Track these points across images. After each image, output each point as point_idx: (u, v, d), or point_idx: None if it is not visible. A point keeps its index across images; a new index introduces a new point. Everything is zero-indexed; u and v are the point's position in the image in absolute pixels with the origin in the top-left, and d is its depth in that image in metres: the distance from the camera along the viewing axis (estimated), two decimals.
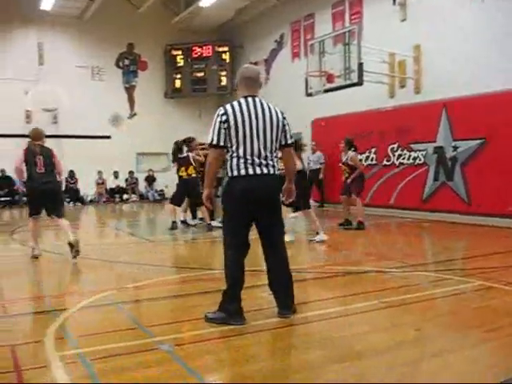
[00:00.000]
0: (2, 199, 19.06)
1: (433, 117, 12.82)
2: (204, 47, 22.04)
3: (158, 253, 8.49)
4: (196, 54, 22.07)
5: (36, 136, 8.03)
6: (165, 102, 22.62)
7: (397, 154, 13.96)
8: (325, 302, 5.10)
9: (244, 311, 4.27)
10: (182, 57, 22.19)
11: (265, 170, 4.27)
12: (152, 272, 6.71)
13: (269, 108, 4.37)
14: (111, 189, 21.20)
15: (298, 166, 7.72)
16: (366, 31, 14.23)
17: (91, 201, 20.63)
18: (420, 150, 13.27)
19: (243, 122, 4.22)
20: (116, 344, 3.83)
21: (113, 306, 5.04)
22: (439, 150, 12.77)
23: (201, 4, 18.79)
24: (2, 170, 19.17)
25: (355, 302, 4.99)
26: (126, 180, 21.44)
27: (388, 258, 7.53)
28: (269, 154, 4.29)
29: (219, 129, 4.24)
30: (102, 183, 20.98)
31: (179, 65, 22.23)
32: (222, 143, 4.26)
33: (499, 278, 5.88)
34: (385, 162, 14.29)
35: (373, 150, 14.66)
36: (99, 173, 20.70)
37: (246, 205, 4.26)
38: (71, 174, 20.13)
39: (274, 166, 4.32)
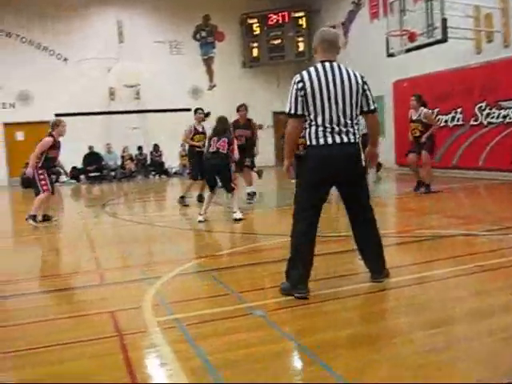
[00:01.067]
0: (92, 174, 19.81)
1: None
2: (280, 14, 21.75)
3: (244, 221, 8.54)
4: (272, 21, 21.82)
5: None
6: (243, 71, 22.59)
7: (485, 112, 13.34)
8: (416, 267, 4.98)
9: (318, 278, 4.29)
10: (258, 25, 22.00)
11: (345, 139, 4.08)
12: (239, 240, 6.81)
13: (347, 72, 4.15)
14: None
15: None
16: None
17: (175, 173, 21.06)
18: (510, 108, 12.62)
19: (320, 88, 4.04)
20: (210, 310, 3.93)
21: (204, 273, 5.16)
22: None
23: None
24: (91, 147, 19.88)
25: (447, 266, 4.85)
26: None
27: (479, 222, 7.26)
28: (349, 121, 4.09)
29: (296, 97, 4.07)
30: (186, 155, 21.32)
31: (256, 33, 22.06)
32: (299, 112, 4.09)
33: None
34: (472, 122, 13.70)
35: (459, 110, 14.09)
36: (182, 145, 21.05)
37: (325, 175, 4.12)
38: (155, 147, 20.66)
39: (354, 134, 4.13)
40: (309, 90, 4.03)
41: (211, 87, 21.84)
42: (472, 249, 5.59)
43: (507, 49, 12.92)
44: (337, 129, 4.06)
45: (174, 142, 20.26)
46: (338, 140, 4.06)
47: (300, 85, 4.06)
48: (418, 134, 10.44)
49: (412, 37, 12.29)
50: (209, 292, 4.46)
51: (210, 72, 22.02)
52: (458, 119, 14.14)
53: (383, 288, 4.25)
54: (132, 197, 14.79)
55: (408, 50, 12.72)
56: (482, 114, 13.46)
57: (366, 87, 4.20)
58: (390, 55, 13.32)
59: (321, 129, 4.07)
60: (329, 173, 4.11)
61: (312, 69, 4.14)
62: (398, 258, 5.43)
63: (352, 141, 4.10)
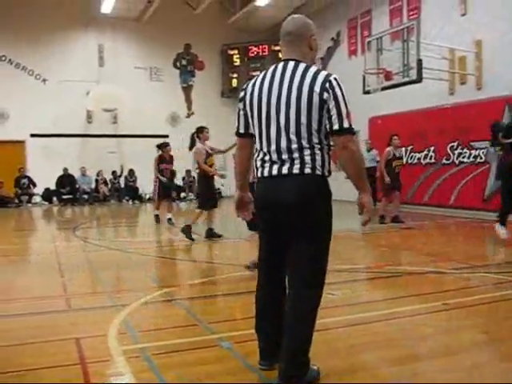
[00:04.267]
0: (65, 197, 19.61)
1: (495, 114, 12.43)
2: (260, 46, 22.12)
3: (218, 250, 8.53)
4: (252, 53, 22.18)
5: None
6: (222, 101, 22.80)
7: (457, 152, 13.63)
8: (384, 303, 5.02)
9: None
10: (238, 56, 22.37)
11: (284, 170, 2.90)
12: (211, 269, 6.78)
13: (303, 75, 2.89)
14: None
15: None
16: (424, 27, 13.87)
17: (149, 199, 20.95)
18: (481, 149, 12.92)
19: (260, 99, 2.97)
20: (177, 340, 3.89)
21: (174, 303, 5.12)
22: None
23: (257, 3, 18.88)
24: (65, 169, 19.72)
25: (415, 303, 4.90)
26: (184, 178, 21.70)
27: (448, 259, 7.35)
28: (294, 146, 2.88)
29: (238, 110, 3.12)
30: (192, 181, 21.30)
31: (236, 64, 22.43)
32: (241, 129, 3.14)
33: None
34: (444, 161, 13.98)
35: (432, 149, 14.37)
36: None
37: (265, 219, 3.10)
38: (131, 172, 20.59)
39: (302, 162, 2.87)
40: (248, 101, 3.05)
41: (189, 115, 21.96)
42: (440, 286, 5.65)
43: (480, 91, 13.27)
44: (275, 156, 2.93)
45: (149, 168, 20.22)
46: (274, 171, 2.94)
47: (241, 94, 3.11)
48: (399, 170, 11.40)
49: (388, 75, 12.57)
50: (177, 322, 4.41)
51: (188, 100, 22.17)
52: (431, 157, 14.42)
53: (351, 323, 4.26)
54: (104, 221, 14.67)
55: (384, 88, 12.98)
56: (453, 154, 13.74)
57: (326, 96, 2.85)
58: (366, 92, 13.56)
59: (260, 156, 3.03)
60: (267, 218, 3.07)
61: (262, 73, 3.09)
62: (367, 293, 5.47)
63: (296, 172, 2.88)
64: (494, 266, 7.06)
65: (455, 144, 13.65)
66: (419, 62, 11.90)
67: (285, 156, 2.89)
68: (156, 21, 20.60)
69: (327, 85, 2.85)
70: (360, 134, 15.97)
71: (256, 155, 3.07)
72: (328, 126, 2.88)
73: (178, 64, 22.19)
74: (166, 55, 21.76)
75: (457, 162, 13.64)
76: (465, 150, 13.40)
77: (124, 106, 20.24)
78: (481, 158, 12.96)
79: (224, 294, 5.44)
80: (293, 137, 2.88)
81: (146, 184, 20.69)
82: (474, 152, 13.15)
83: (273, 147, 2.93)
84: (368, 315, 4.44)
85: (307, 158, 2.87)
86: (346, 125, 2.85)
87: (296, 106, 2.85)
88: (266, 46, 22.01)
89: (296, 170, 2.87)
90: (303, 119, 2.85)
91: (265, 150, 2.97)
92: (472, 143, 13.15)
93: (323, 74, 2.90)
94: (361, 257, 8.15)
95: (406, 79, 12.33)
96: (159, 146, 12.78)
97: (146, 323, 4.45)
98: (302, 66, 2.94)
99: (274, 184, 2.95)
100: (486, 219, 11.90)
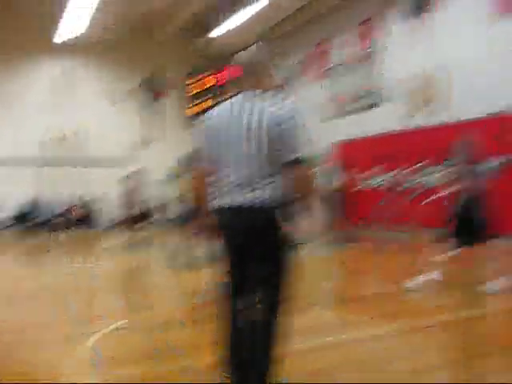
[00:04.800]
0: (30, 223, 19.16)
1: (457, 136, 12.66)
2: (223, 73, 22.25)
3: (191, 279, 8.37)
4: (216, 81, 22.29)
5: None
6: (183, 128, 22.76)
7: (418, 175, 13.81)
8: (346, 327, 4.98)
9: None
10: (200, 84, 22.43)
11: (243, 199, 2.97)
12: (184, 296, 6.66)
13: (261, 107, 2.98)
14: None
15: None
16: (386, 51, 14.14)
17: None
18: (442, 171, 13.07)
19: (218, 130, 3.06)
20: (145, 368, 3.80)
21: (143, 330, 4.99)
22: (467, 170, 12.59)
23: (218, 32, 19.01)
24: (29, 195, 19.34)
25: (381, 324, 4.88)
26: None
27: (410, 279, 7.36)
28: (253, 175, 2.97)
29: (196, 141, 3.27)
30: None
31: (197, 92, 22.46)
32: (200, 159, 3.24)
33: None
34: (406, 184, 14.13)
35: (393, 172, 14.53)
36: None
37: (227, 248, 3.14)
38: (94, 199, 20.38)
39: (262, 192, 2.96)
40: (206, 133, 3.14)
41: (151, 142, 21.88)
42: (401, 307, 5.63)
43: (445, 113, 13.45)
44: (232, 187, 3.02)
45: (112, 194, 20.00)
46: (228, 201, 3.04)
47: (200, 125, 3.22)
48: None
49: (348, 101, 12.70)
50: (145, 350, 4.26)
51: (152, 127, 22.13)
52: (392, 181, 14.56)
53: (315, 348, 4.18)
54: (70, 247, 14.37)
55: (345, 114, 13.09)
56: (417, 176, 13.91)
57: (284, 127, 2.92)
58: (327, 118, 13.65)
59: (216, 186, 3.12)
60: (229, 245, 3.12)
61: (221, 104, 3.19)
62: (331, 317, 5.41)
63: (255, 201, 2.97)
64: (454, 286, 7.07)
65: (417, 167, 13.83)
66: (380, 86, 12.05)
67: (243, 185, 2.97)
68: (120, 47, 20.61)
69: (283, 116, 2.94)
70: (322, 159, 16.08)
71: (215, 184, 3.13)
72: (284, 157, 2.95)
73: (142, 89, 22.20)
74: (129, 81, 21.72)
75: (421, 184, 13.80)
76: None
77: (86, 131, 20.13)
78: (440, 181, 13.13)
79: (195, 321, 5.27)
80: (252, 166, 2.96)
81: (110, 210, 20.49)
82: (435, 175, 13.31)
83: (232, 177, 3.00)
84: (332, 339, 4.35)
85: (266, 188, 2.95)
86: (301, 155, 2.95)
87: (254, 138, 2.93)
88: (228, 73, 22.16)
89: (256, 200, 2.95)
90: (262, 150, 2.94)
91: (224, 179, 3.05)
92: (433, 166, 13.33)
93: (281, 105, 2.99)
94: (322, 280, 8.09)
95: (368, 103, 12.47)
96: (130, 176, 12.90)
97: (113, 351, 4.32)
98: (259, 97, 3.04)
99: (234, 213, 3.01)
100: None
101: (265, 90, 3.07)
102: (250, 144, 2.94)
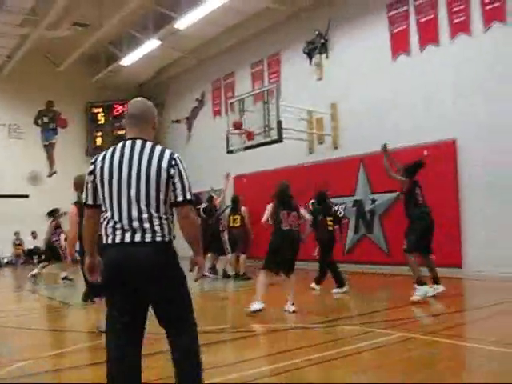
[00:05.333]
0: None
1: (351, 171, 13.28)
2: (125, 105, 21.87)
3: (77, 317, 8.14)
4: (117, 111, 22.03)
5: None
6: (86, 159, 22.18)
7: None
8: (248, 363, 5.01)
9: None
10: (102, 114, 22.15)
11: (137, 238, 3.13)
12: (70, 338, 6.43)
13: (151, 153, 3.23)
14: (29, 250, 20.36)
15: None
16: (284, 90, 14.65)
17: (8, 263, 19.73)
18: (340, 204, 13.62)
19: (110, 173, 3.20)
20: None
21: (28, 378, 4.75)
22: (358, 203, 13.18)
23: (122, 63, 18.88)
24: None
25: (278, 361, 4.94)
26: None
27: (311, 313, 7.57)
28: (144, 216, 3.15)
29: (86, 182, 3.33)
30: (20, 244, 20.16)
31: (100, 122, 22.17)
32: (90, 201, 3.33)
33: (419, 329, 6.05)
34: (307, 217, 14.49)
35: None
36: (16, 233, 19.91)
37: (117, 284, 3.19)
38: None
39: (153, 232, 3.14)
40: (98, 174, 3.25)
41: (51, 174, 21.14)
42: (304, 342, 5.75)
43: (336, 150, 14.11)
44: (127, 225, 3.15)
45: (7, 230, 19.12)
46: (127, 239, 3.14)
47: (91, 167, 3.31)
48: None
49: (250, 136, 12.98)
50: None
51: (50, 158, 21.39)
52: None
53: None
54: None
55: (246, 148, 13.36)
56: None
57: (172, 172, 3.21)
58: (230, 152, 13.87)
59: (110, 224, 3.19)
60: (120, 283, 3.17)
61: (110, 149, 3.33)
62: (231, 354, 5.45)
63: (148, 240, 3.13)
64: (355, 318, 7.35)
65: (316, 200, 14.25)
66: (279, 123, 12.42)
67: (136, 224, 3.14)
68: (16, 76, 19.86)
69: (173, 162, 3.24)
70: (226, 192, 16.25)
71: (105, 223, 3.22)
72: (173, 198, 3.24)
73: (39, 121, 21.42)
74: (27, 112, 20.95)
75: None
76: None
77: None
78: (340, 213, 13.63)
79: (86, 365, 5.15)
80: (143, 207, 3.16)
81: (4, 247, 19.57)
82: (333, 208, 13.79)
83: (124, 216, 3.16)
84: (231, 377, 4.39)
85: (157, 227, 3.17)
86: (188, 197, 3.25)
87: (146, 180, 3.18)
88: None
89: (148, 239, 3.14)
90: (152, 192, 3.18)
91: (116, 218, 3.17)
92: (331, 199, 13.81)
93: (168, 152, 3.28)
94: (225, 316, 8.14)
95: (268, 139, 12.79)
96: (52, 214, 13.23)
97: None
98: (148, 144, 3.30)
99: (128, 250, 3.15)
100: (347, 271, 12.47)
101: (150, 140, 3.36)
102: (146, 185, 3.17)
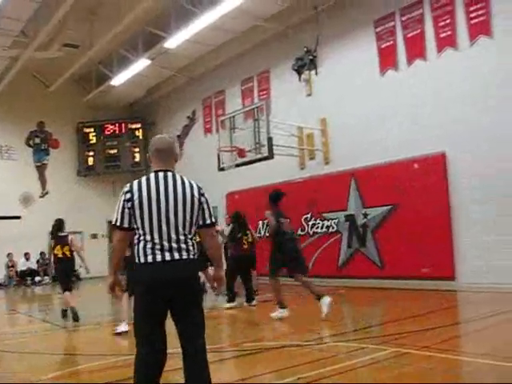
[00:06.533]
0: None
1: (342, 186, 13.32)
2: (116, 124, 22.10)
3: (72, 340, 8.09)
4: (109, 131, 22.06)
5: None
6: (78, 179, 22.26)
7: (310, 223, 14.31)
8: (243, 383, 5.00)
9: None
10: (94, 134, 22.16)
11: (176, 256, 3.63)
12: (65, 362, 6.39)
13: (182, 183, 3.79)
14: (22, 271, 20.25)
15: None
16: (274, 106, 14.76)
17: (0, 284, 19.60)
18: (332, 219, 13.67)
19: (149, 200, 3.68)
20: None
21: None
22: (350, 218, 13.21)
23: (112, 82, 18.93)
24: None
25: (273, 380, 4.93)
26: (38, 261, 20.59)
27: (305, 330, 7.54)
28: (181, 237, 3.68)
29: (123, 208, 3.73)
30: (12, 266, 20.05)
31: (92, 142, 22.17)
32: (125, 224, 3.74)
33: (413, 343, 6.03)
34: (299, 232, 14.52)
35: (287, 221, 14.87)
36: (9, 255, 19.82)
37: (155, 295, 3.64)
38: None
39: (188, 250, 3.69)
40: (136, 202, 3.68)
41: (43, 194, 21.05)
42: (297, 360, 5.73)
43: (327, 165, 14.16)
44: (167, 245, 3.64)
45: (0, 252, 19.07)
46: (167, 257, 3.62)
47: (128, 195, 3.72)
48: None
49: (241, 153, 13.02)
50: None
51: (42, 179, 21.27)
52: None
53: None
54: None
55: (238, 165, 13.39)
56: (308, 225, 14.39)
57: (202, 200, 3.83)
58: (221, 169, 13.91)
59: (149, 245, 3.65)
60: (158, 294, 3.64)
61: (143, 179, 3.81)
62: (226, 373, 5.43)
63: (184, 257, 3.67)
64: (348, 334, 7.33)
65: (308, 216, 14.32)
66: (270, 139, 12.47)
67: (174, 245, 3.65)
68: (7, 97, 19.79)
69: (201, 191, 3.87)
70: (218, 209, 16.28)
71: (143, 244, 3.68)
72: (201, 221, 3.85)
73: (30, 142, 21.31)
74: (18, 133, 20.88)
75: (311, 232, 14.29)
76: (318, 221, 14.10)
77: None
78: (333, 228, 13.69)
79: None
80: (180, 230, 3.69)
81: None
82: (326, 222, 13.87)
83: (164, 238, 3.65)
84: None
85: (190, 247, 3.72)
86: (213, 220, 3.94)
87: (183, 208, 3.72)
88: (123, 124, 22.07)
89: (184, 256, 3.67)
90: (188, 217, 3.74)
91: (156, 240, 3.65)
92: (324, 214, 13.88)
93: (194, 182, 3.89)
94: (219, 335, 8.10)
95: (259, 156, 12.83)
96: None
97: None
98: (177, 176, 3.85)
99: (168, 267, 3.63)
100: (340, 286, 12.48)
101: (174, 171, 3.91)
102: (183, 212, 3.71)
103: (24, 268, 20.32)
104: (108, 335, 8.08)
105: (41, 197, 21.04)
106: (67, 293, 9.75)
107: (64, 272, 10.10)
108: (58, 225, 10.07)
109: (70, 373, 5.74)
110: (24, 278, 20.09)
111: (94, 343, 7.69)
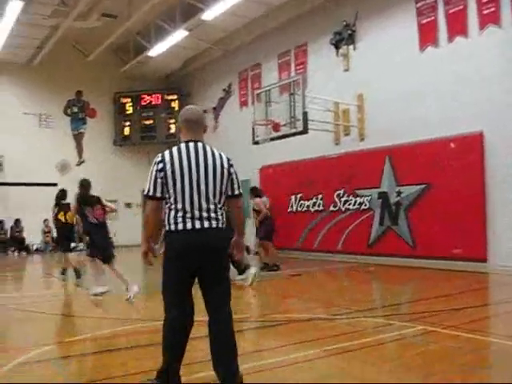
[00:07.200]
0: None
1: (377, 163, 13.20)
2: (153, 95, 22.19)
3: (104, 305, 8.29)
4: (145, 101, 22.18)
5: None
6: (114, 149, 22.51)
7: (343, 199, 14.25)
8: (268, 352, 5.08)
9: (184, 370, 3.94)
10: (130, 104, 22.28)
11: (206, 224, 3.74)
12: (94, 325, 6.56)
13: (213, 154, 3.88)
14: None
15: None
16: (310, 81, 14.65)
17: (37, 250, 20.10)
18: (365, 196, 13.58)
19: (181, 170, 3.76)
20: None
21: (48, 363, 4.88)
22: (383, 196, 13.11)
23: (150, 53, 18.99)
24: None
25: (298, 351, 4.99)
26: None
27: (333, 305, 7.59)
28: (212, 206, 3.78)
29: (155, 178, 3.80)
30: (49, 232, 20.49)
31: (128, 112, 22.30)
32: (158, 194, 3.81)
33: (441, 322, 6.02)
34: (331, 208, 14.53)
35: (319, 197, 14.91)
36: (45, 221, 20.25)
37: (185, 262, 3.76)
38: (17, 222, 19.70)
39: (217, 219, 3.79)
40: (169, 172, 3.77)
41: (80, 163, 21.37)
42: (323, 333, 5.79)
43: (362, 142, 14.03)
44: (197, 214, 3.74)
45: (37, 218, 19.46)
46: (197, 226, 3.73)
47: (160, 165, 3.80)
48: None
49: (276, 127, 12.99)
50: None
51: (79, 147, 21.56)
52: (319, 205, 14.94)
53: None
54: None
55: (272, 139, 13.38)
56: (340, 201, 14.34)
57: (232, 170, 3.94)
58: (256, 143, 13.91)
59: (180, 214, 3.74)
60: (187, 259, 3.76)
61: (174, 149, 3.86)
62: (251, 343, 5.51)
63: (214, 226, 3.78)
64: (377, 310, 7.36)
65: (341, 192, 14.27)
66: (305, 114, 12.41)
67: (205, 214, 3.76)
68: (46, 66, 20.13)
69: (230, 162, 3.97)
70: (251, 182, 16.34)
71: (174, 213, 3.78)
72: (231, 192, 3.96)
73: (68, 111, 21.57)
74: (57, 102, 21.13)
75: (343, 208, 14.24)
76: (350, 198, 14.03)
77: (10, 152, 19.53)
78: (365, 205, 13.61)
79: (104, 351, 5.27)
80: (211, 199, 3.80)
81: (34, 234, 19.93)
82: (358, 199, 13.80)
83: (196, 207, 3.75)
84: (252, 365, 4.45)
85: (220, 216, 3.84)
86: (241, 191, 4.05)
87: (213, 178, 3.82)
88: (159, 95, 22.14)
89: (214, 225, 3.79)
90: (218, 187, 3.84)
91: (187, 209, 3.75)
92: (357, 191, 13.81)
93: (223, 154, 3.98)
94: (246, 306, 8.20)
95: (293, 130, 12.78)
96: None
97: None
98: (207, 147, 3.92)
99: (199, 235, 3.75)
100: (370, 263, 12.48)
101: (202, 141, 3.97)
102: (214, 182, 3.82)
103: None
104: (136, 301, 8.24)
105: (77, 165, 21.37)
106: (68, 254, 11.51)
107: (64, 235, 11.68)
108: (62, 194, 11.80)
109: (94, 337, 5.89)
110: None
111: (120, 308, 7.88)
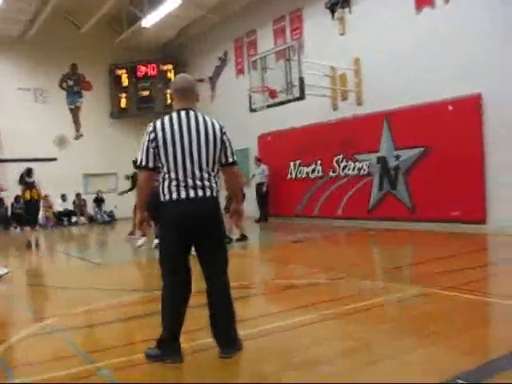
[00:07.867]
0: None
1: (375, 128, 13.16)
2: (149, 66, 21.99)
3: (105, 276, 8.37)
4: (141, 72, 21.99)
5: None
6: (111, 122, 22.39)
7: (342, 165, 14.25)
8: (267, 318, 5.13)
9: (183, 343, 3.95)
10: (126, 76, 22.07)
11: (200, 193, 3.76)
12: (97, 296, 6.63)
13: (205, 122, 3.86)
14: (59, 212, 20.75)
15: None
16: (306, 46, 14.54)
17: (38, 225, 20.15)
18: (364, 161, 13.57)
19: (173, 139, 3.75)
20: (55, 373, 3.77)
21: (55, 334, 4.95)
22: (382, 160, 13.09)
23: (143, 23, 18.74)
24: None
25: (298, 315, 5.05)
26: (74, 202, 21.07)
27: (333, 269, 7.64)
28: (205, 175, 3.79)
29: (147, 148, 3.80)
30: (50, 207, 20.54)
31: (124, 84, 22.11)
32: (150, 164, 3.82)
33: (439, 283, 6.07)
34: (331, 174, 14.53)
35: (318, 162, 14.90)
36: (45, 196, 20.24)
37: (180, 231, 3.80)
38: (17, 198, 19.72)
39: (211, 188, 3.81)
40: (161, 141, 3.76)
41: (78, 137, 21.41)
42: (322, 297, 5.84)
43: (360, 106, 13.94)
44: (191, 183, 3.76)
45: None
46: (192, 195, 3.75)
47: (152, 135, 3.78)
48: None
49: (272, 94, 12.91)
50: (56, 354, 4.25)
51: (76, 121, 21.61)
52: (318, 171, 14.95)
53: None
54: None
55: (269, 106, 13.30)
56: (339, 166, 14.35)
57: (224, 138, 3.92)
58: (253, 110, 13.83)
59: (174, 183, 3.77)
60: (182, 228, 3.79)
61: (166, 118, 3.84)
62: (251, 308, 5.57)
63: (208, 195, 3.80)
64: (376, 273, 7.42)
65: (340, 157, 14.25)
66: (301, 80, 12.31)
67: (198, 183, 3.77)
68: (39, 40, 19.84)
69: (223, 130, 3.95)
70: (250, 150, 16.31)
71: (168, 182, 3.79)
72: (224, 160, 3.95)
73: (64, 85, 21.54)
74: (52, 76, 21.06)
75: (342, 174, 14.25)
76: (349, 163, 14.03)
77: (7, 128, 19.46)
78: (364, 170, 13.61)
79: (108, 322, 5.33)
80: (204, 168, 3.80)
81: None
82: (357, 164, 13.79)
83: (189, 176, 3.76)
84: (248, 332, 4.49)
85: (213, 185, 3.85)
86: (235, 158, 4.04)
87: (205, 146, 3.81)
88: (155, 66, 21.95)
89: (208, 194, 3.81)
90: (211, 155, 3.83)
91: (181, 178, 3.76)
92: (356, 156, 13.79)
93: (216, 121, 3.96)
94: (247, 272, 8.27)
95: (290, 97, 12.70)
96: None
97: (22, 358, 4.28)
98: (199, 114, 3.90)
99: (193, 203, 3.78)
100: (370, 228, 12.54)
101: (195, 109, 3.95)
102: (206, 150, 3.81)
103: (61, 209, 20.82)
104: (135, 272, 8.33)
105: (75, 139, 21.39)
106: (28, 228, 12.69)
107: (30, 211, 12.52)
108: (27, 172, 12.42)
109: (96, 308, 5.96)
110: (61, 219, 20.59)
111: (120, 279, 7.95)
